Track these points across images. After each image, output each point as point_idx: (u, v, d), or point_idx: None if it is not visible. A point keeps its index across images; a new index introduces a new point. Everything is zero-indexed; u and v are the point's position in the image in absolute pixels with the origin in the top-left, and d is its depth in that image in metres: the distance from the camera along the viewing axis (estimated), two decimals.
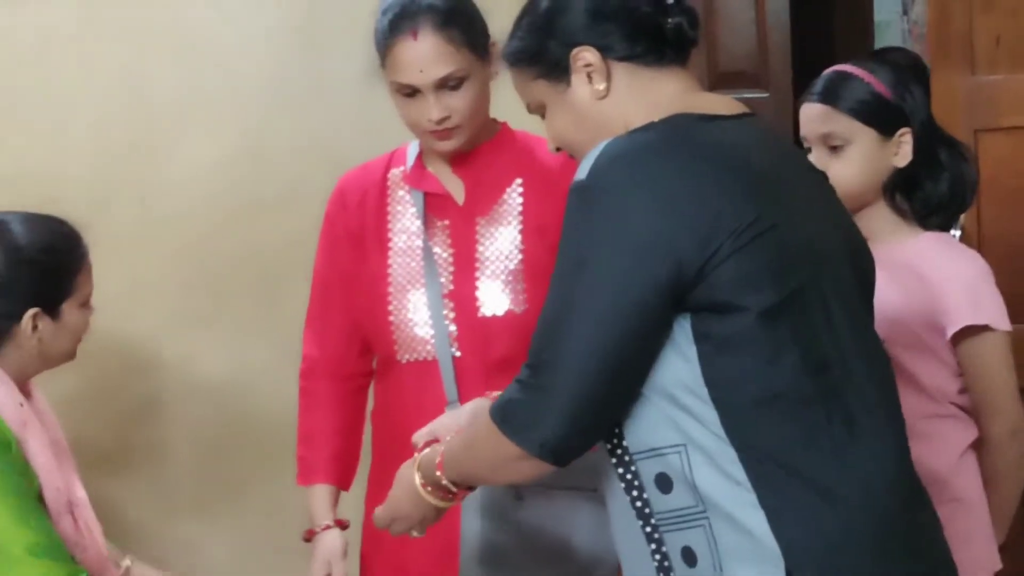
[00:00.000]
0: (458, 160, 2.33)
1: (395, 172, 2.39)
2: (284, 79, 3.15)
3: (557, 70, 1.76)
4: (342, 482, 2.44)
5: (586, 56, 1.75)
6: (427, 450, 1.86)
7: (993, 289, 2.26)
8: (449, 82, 2.23)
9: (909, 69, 2.33)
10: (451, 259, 2.31)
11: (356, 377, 2.43)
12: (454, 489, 1.83)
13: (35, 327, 2.23)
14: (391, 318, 2.31)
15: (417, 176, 2.35)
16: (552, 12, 1.78)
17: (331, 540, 2.38)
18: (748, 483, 1.61)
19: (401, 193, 2.37)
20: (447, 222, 2.32)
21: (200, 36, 3.03)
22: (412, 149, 2.39)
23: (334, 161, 3.16)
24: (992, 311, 2.23)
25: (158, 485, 3.00)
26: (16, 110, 2.79)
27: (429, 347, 2.29)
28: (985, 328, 2.22)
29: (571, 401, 1.63)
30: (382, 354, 2.36)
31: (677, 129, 1.68)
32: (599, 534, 2.13)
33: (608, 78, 1.75)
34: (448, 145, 2.28)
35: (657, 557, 1.68)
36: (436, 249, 2.32)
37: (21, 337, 2.23)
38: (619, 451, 1.70)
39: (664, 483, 1.65)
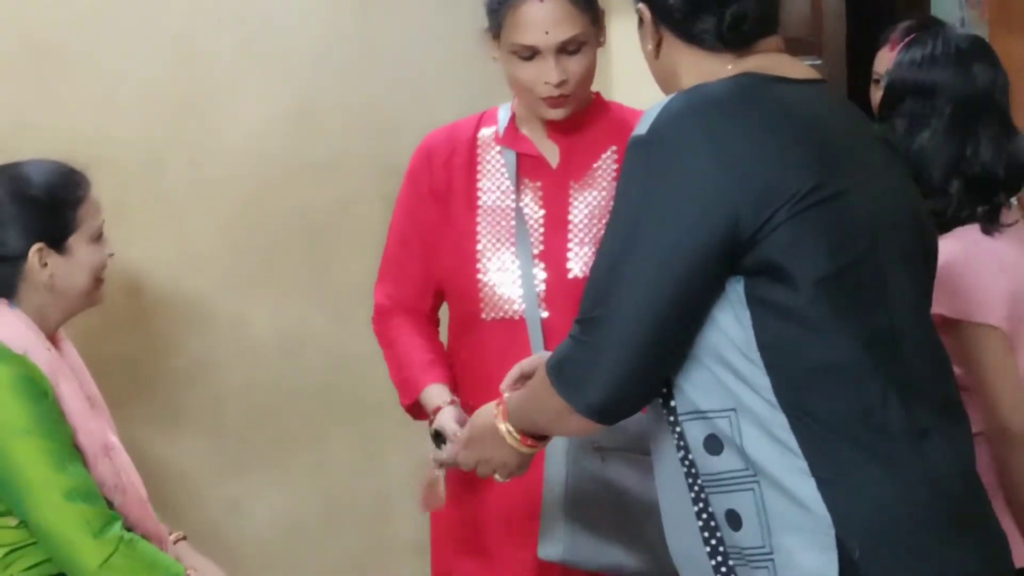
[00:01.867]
0: (554, 125, 2.34)
1: (485, 132, 2.39)
2: (335, 42, 3.15)
3: (640, 17, 1.77)
4: (448, 380, 2.37)
5: (642, 11, 1.75)
6: (513, 393, 1.87)
7: (976, 280, 2.19)
8: (570, 46, 2.24)
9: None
10: (542, 220, 2.32)
11: (428, 313, 2.44)
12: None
13: (44, 263, 2.27)
14: (479, 276, 2.31)
15: (511, 137, 2.36)
16: None
17: (448, 412, 2.29)
18: (799, 450, 1.59)
19: (492, 153, 2.37)
20: (539, 183, 2.33)
21: None
22: (503, 112, 2.40)
23: (383, 124, 3.17)
24: (964, 306, 2.18)
25: (207, 446, 3.02)
26: (70, 71, 2.79)
27: (516, 306, 2.30)
28: (960, 322, 2.18)
29: (620, 360, 1.61)
30: (465, 312, 2.35)
31: (745, 88, 1.66)
32: None
33: (658, 41, 1.75)
34: (559, 113, 2.29)
35: (703, 517, 1.67)
36: (527, 210, 2.33)
37: (32, 275, 2.27)
38: (666, 411, 1.69)
39: (713, 445, 1.64)
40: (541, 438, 1.88)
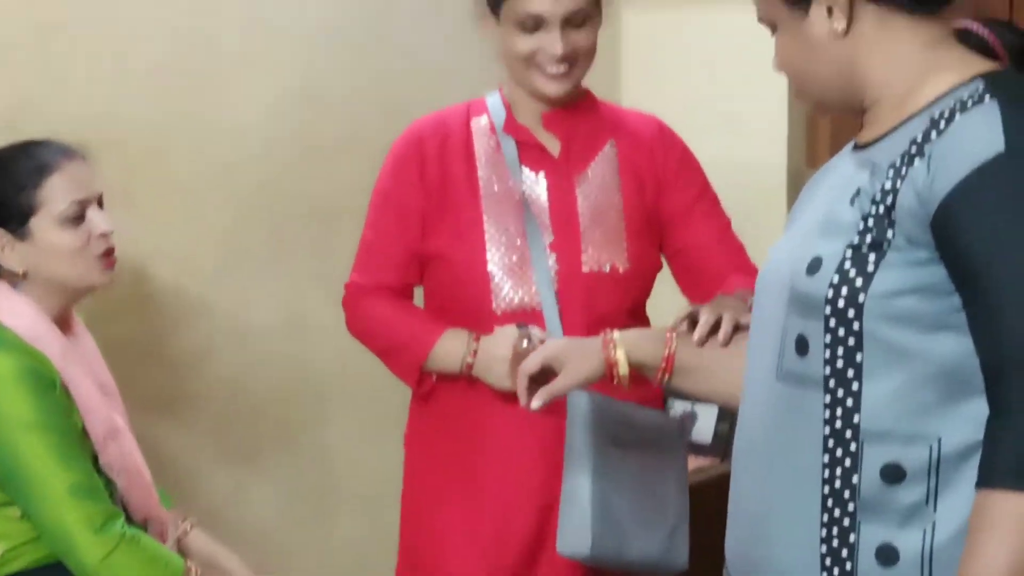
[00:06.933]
0: (551, 117, 2.33)
1: (478, 121, 2.37)
2: (344, 22, 3.13)
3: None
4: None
5: None
6: None
7: None
8: (575, 18, 2.24)
9: None
10: (549, 211, 2.30)
11: (407, 294, 2.41)
12: None
13: (4, 247, 2.20)
14: (489, 266, 2.29)
15: (511, 125, 2.33)
16: None
17: (502, 329, 2.26)
18: None
19: (488, 142, 2.34)
20: (542, 173, 2.31)
21: None
22: (493, 101, 2.37)
23: (392, 107, 3.16)
24: None
25: (209, 430, 3.01)
26: (76, 51, 2.77)
27: (527, 298, 2.27)
28: None
29: None
30: (472, 304, 2.32)
31: None
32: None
33: (851, 17, 1.61)
34: (559, 87, 2.27)
35: (833, 545, 1.58)
36: (532, 199, 2.30)
37: (5, 261, 2.21)
38: (836, 425, 1.58)
39: (894, 474, 1.55)
40: None
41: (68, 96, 2.75)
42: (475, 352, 2.27)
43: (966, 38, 1.82)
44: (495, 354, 2.25)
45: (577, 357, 2.02)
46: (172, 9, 2.88)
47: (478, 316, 2.30)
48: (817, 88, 1.67)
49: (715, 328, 1.96)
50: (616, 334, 2.00)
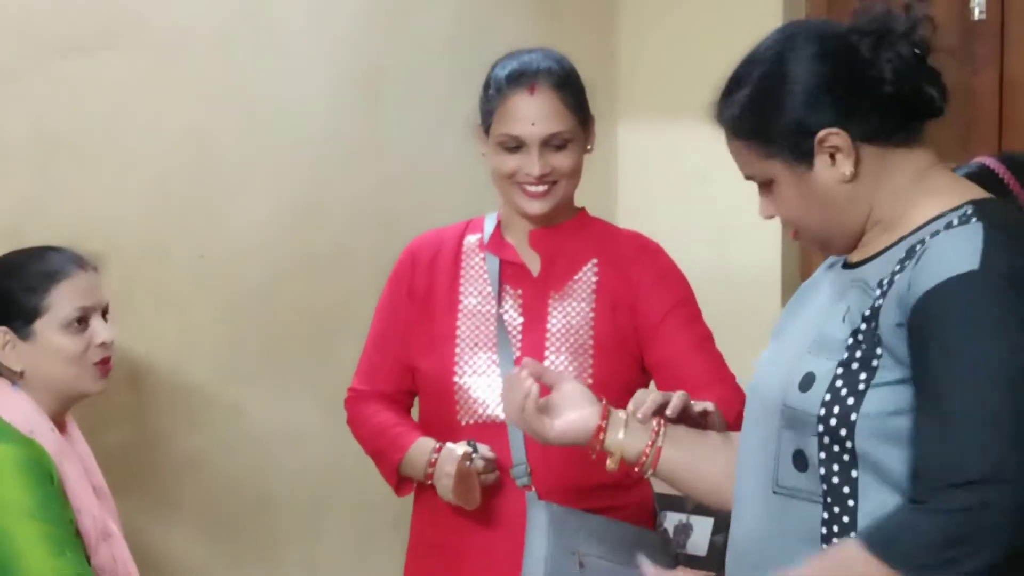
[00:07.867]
0: (537, 235, 2.40)
1: (471, 239, 2.45)
2: (342, 136, 3.18)
3: (796, 152, 1.66)
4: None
5: (833, 140, 1.65)
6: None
7: None
8: (555, 141, 2.32)
9: None
10: (521, 327, 2.36)
11: (404, 404, 2.50)
12: None
13: (5, 344, 2.25)
14: (455, 379, 2.35)
15: (496, 244, 2.41)
16: (784, 90, 1.67)
17: (451, 446, 2.31)
18: None
19: (476, 260, 2.42)
20: (520, 291, 2.38)
21: (263, 92, 3.06)
22: (489, 220, 2.45)
23: (388, 219, 3.20)
24: None
25: (200, 538, 2.99)
26: (82, 159, 2.81)
27: (492, 410, 2.33)
28: None
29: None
30: (440, 416, 2.39)
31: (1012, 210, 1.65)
32: None
33: (856, 161, 1.66)
34: (539, 206, 2.34)
35: None
36: (507, 316, 2.36)
37: (4, 359, 2.26)
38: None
39: None
40: None
41: (69, 203, 2.78)
42: (433, 462, 2.33)
43: (982, 175, 1.87)
44: (443, 469, 2.29)
45: (576, 416, 1.92)
46: (172, 120, 2.92)
47: (446, 427, 2.36)
48: (827, 232, 1.71)
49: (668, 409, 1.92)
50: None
